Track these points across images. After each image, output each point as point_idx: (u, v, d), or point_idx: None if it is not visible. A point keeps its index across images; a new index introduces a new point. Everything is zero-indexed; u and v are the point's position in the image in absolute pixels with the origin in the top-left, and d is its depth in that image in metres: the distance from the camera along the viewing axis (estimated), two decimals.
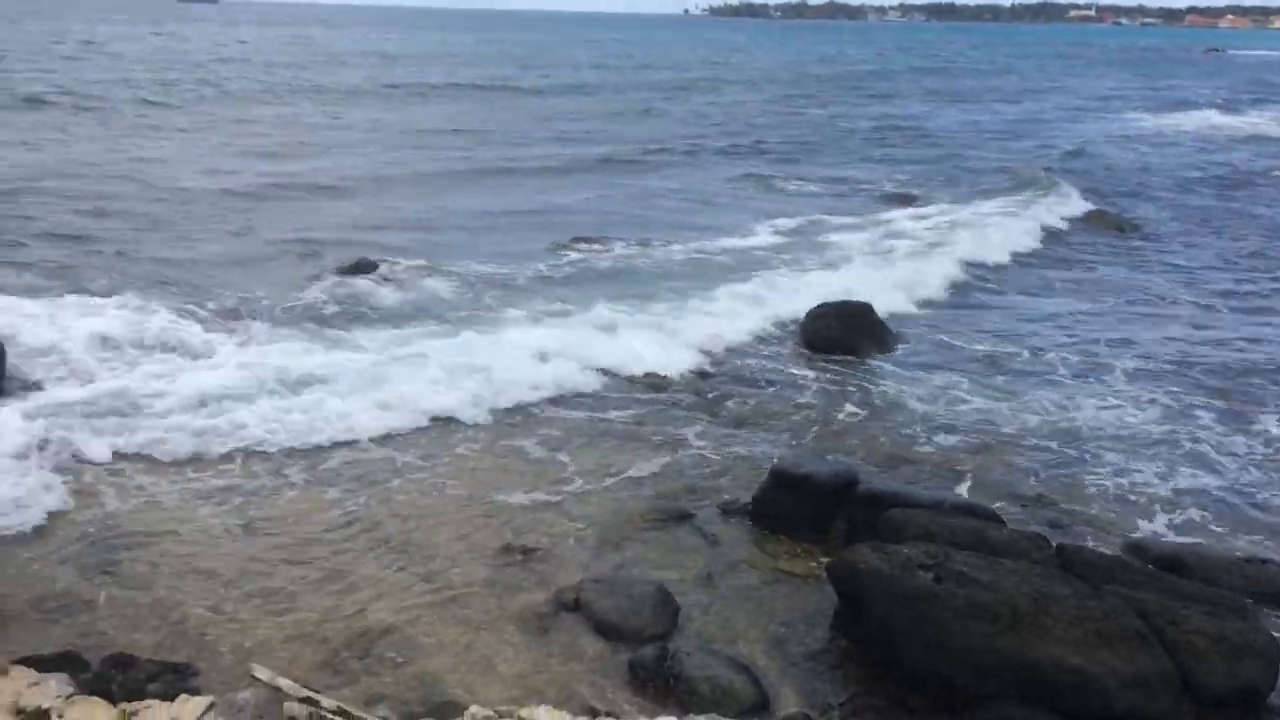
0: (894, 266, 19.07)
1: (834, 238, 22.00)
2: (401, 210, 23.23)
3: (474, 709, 4.87)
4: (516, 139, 36.10)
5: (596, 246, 20.18)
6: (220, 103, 42.11)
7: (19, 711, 4.73)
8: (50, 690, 4.89)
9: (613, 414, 11.95)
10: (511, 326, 14.58)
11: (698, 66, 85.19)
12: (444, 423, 11.45)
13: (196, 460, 10.21)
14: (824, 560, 8.47)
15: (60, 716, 4.71)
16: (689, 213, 24.72)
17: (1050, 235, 23.49)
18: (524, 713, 4.78)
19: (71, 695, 4.92)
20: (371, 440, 10.87)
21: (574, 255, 19.51)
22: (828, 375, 13.62)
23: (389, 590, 8.08)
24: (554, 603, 8.00)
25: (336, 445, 10.71)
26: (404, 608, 7.83)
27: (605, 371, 13.10)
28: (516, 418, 11.75)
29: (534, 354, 13.16)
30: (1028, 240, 22.59)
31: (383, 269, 17.27)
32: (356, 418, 11.16)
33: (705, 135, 39.44)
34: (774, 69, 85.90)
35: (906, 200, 26.99)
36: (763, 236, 22.04)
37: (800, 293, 16.64)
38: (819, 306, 15.11)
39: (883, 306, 15.85)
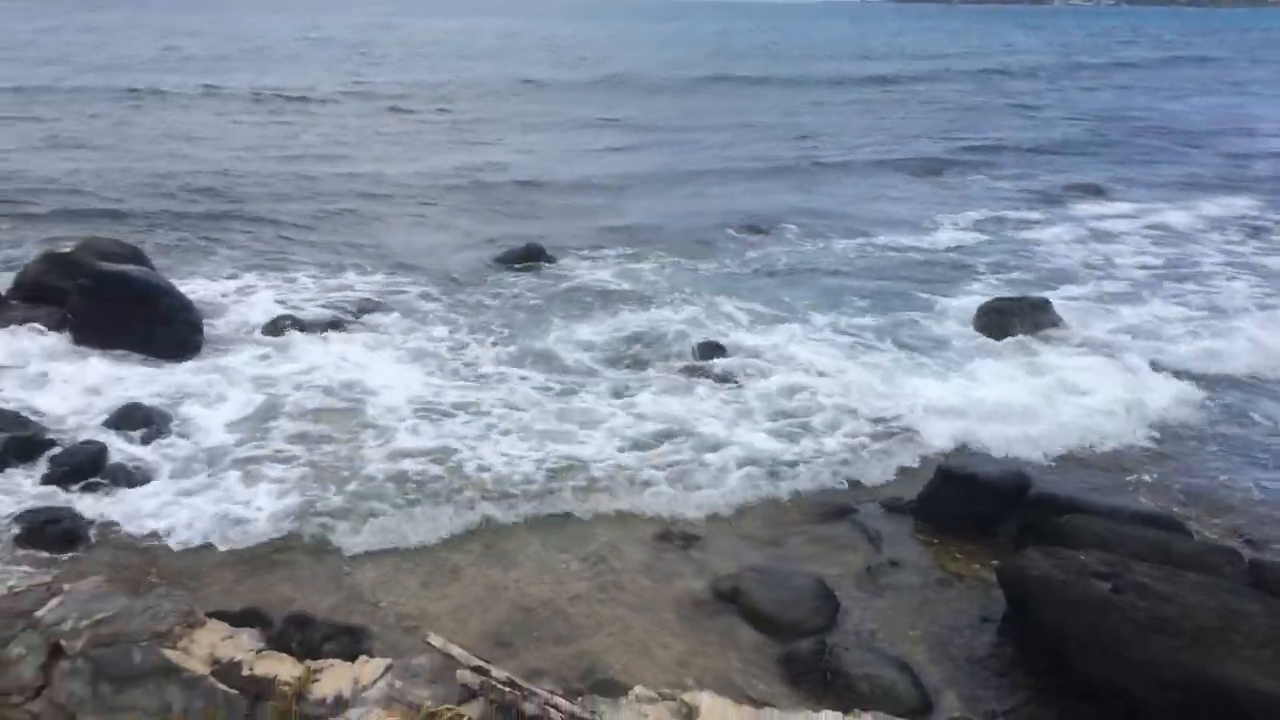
0: None
1: None
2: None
3: (638, 689, 4.92)
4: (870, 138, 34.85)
5: None
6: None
7: (214, 662, 5.07)
8: (242, 644, 5.21)
9: None
10: None
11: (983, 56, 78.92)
12: None
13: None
14: (992, 563, 8.21)
15: (251, 669, 5.02)
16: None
17: None
18: (687, 697, 4.79)
19: (261, 650, 5.23)
20: None
21: None
22: None
23: (549, 570, 8.26)
24: (711, 591, 8.01)
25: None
26: (564, 588, 8.00)
27: None
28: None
29: None
30: None
31: None
32: None
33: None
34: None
35: None
36: None
37: None
38: None
39: None
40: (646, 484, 9.65)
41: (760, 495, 9.67)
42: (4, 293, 13.23)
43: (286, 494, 9.28)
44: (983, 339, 13.98)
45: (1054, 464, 10.46)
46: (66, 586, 5.43)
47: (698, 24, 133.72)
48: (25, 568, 7.91)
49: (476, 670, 4.89)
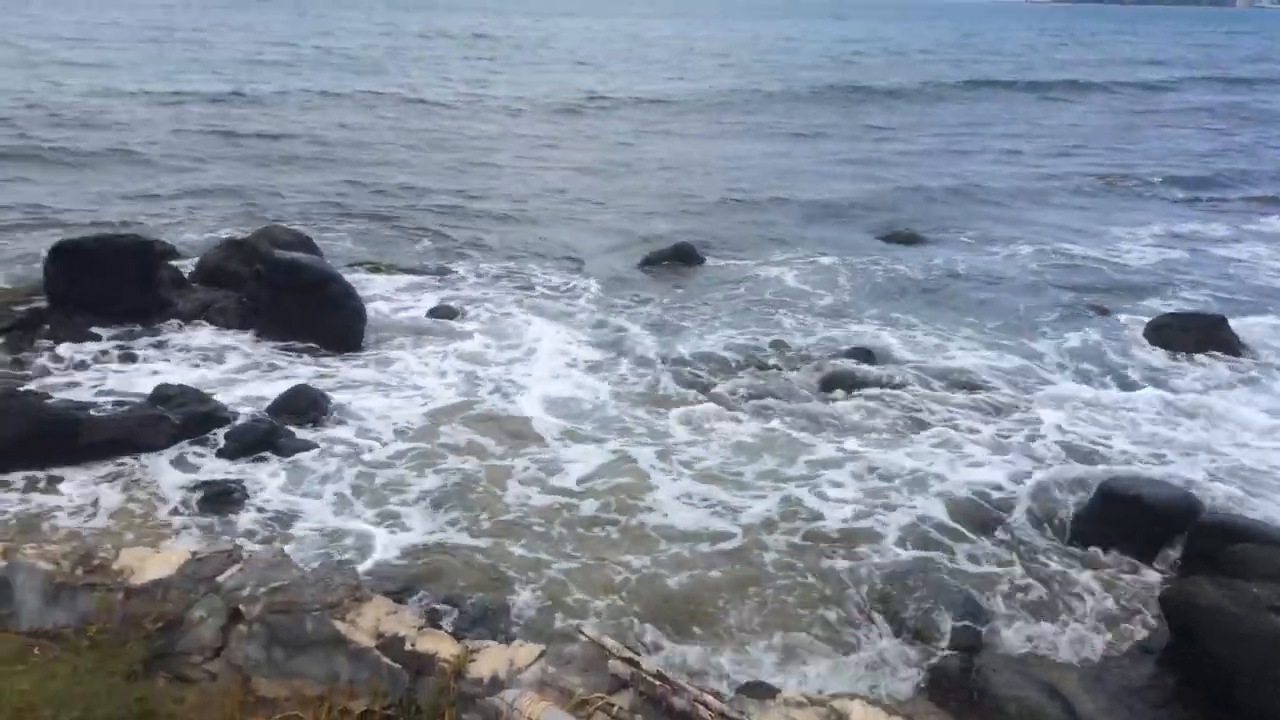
0: None
1: None
2: None
3: (786, 693, 4.92)
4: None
5: None
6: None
7: (379, 635, 5.30)
8: (405, 619, 5.43)
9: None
10: None
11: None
12: None
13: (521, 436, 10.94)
14: (1155, 589, 7.86)
15: (413, 645, 5.23)
16: None
17: None
18: (837, 704, 4.76)
19: (422, 627, 5.44)
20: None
21: None
22: None
23: (695, 564, 8.32)
24: (858, 599, 7.92)
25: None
26: (709, 584, 8.04)
27: None
28: None
29: None
30: None
31: None
32: None
33: None
34: None
35: None
36: None
37: None
38: None
39: None
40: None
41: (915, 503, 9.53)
42: (187, 275, 14.07)
43: (438, 485, 9.63)
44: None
45: (1223, 488, 9.95)
46: (245, 555, 5.77)
47: (880, 26, 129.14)
48: (200, 533, 8.44)
49: (627, 662, 4.97)
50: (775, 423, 11.18)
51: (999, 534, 9.05)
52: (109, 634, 5.29)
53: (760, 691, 5.15)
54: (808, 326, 14.48)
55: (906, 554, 8.66)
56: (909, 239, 20.19)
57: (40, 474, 9.25)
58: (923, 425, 11.27)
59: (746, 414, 11.41)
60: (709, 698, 4.85)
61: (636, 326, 14.27)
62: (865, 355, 13.07)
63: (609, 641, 5.09)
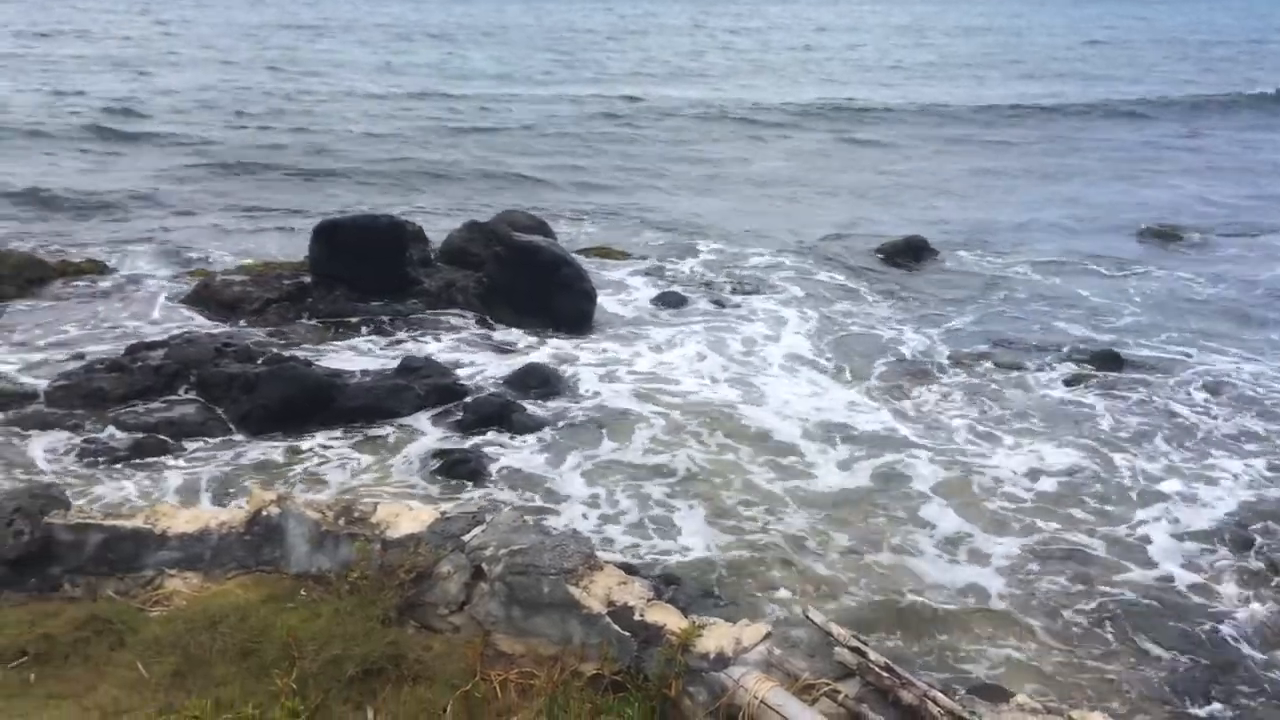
0: None
1: None
2: None
3: (1021, 698, 4.75)
4: None
5: None
6: None
7: (610, 603, 5.48)
8: (635, 590, 5.60)
9: None
10: None
11: None
12: None
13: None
14: None
15: (642, 615, 5.39)
16: None
17: None
18: (1076, 714, 4.56)
19: (650, 599, 5.59)
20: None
21: None
22: None
23: (922, 567, 8.16)
24: (1097, 608, 7.56)
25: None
26: (932, 584, 7.87)
27: None
28: None
29: None
30: None
31: None
32: None
33: None
34: None
35: None
36: None
37: None
38: None
39: None
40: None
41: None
42: (433, 255, 14.93)
43: (664, 464, 9.83)
44: None
45: None
46: (488, 517, 6.10)
47: (1114, 6, 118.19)
48: (439, 496, 8.97)
49: (855, 651, 4.94)
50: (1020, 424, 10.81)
51: (1253, 552, 8.40)
52: (367, 581, 5.72)
53: (993, 694, 5.00)
54: (1055, 325, 13.90)
55: (1146, 558, 8.20)
56: (1169, 236, 18.96)
57: (302, 434, 10.07)
58: (1186, 434, 10.61)
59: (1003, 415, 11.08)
60: (938, 694, 4.75)
61: (874, 317, 14.15)
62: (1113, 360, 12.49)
63: (836, 628, 5.07)
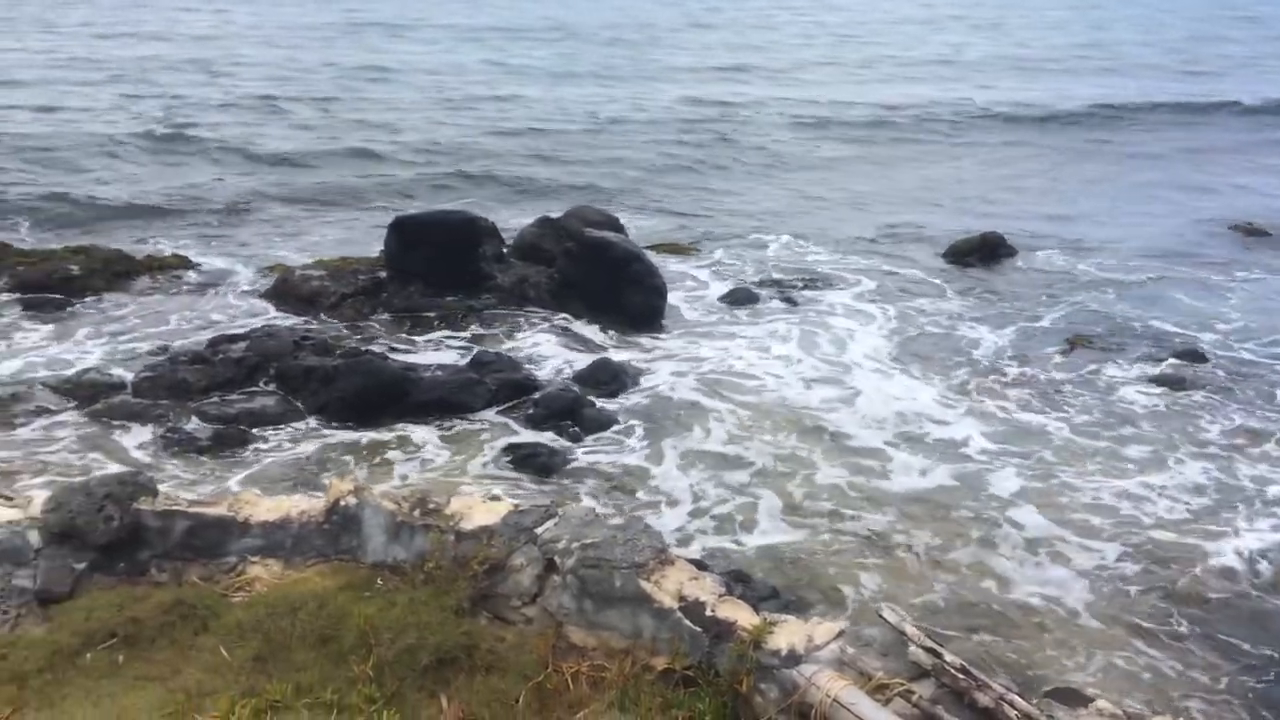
0: None
1: None
2: None
3: (1101, 703, 4.66)
4: None
5: None
6: None
7: (681, 599, 5.49)
8: (707, 586, 5.60)
9: None
10: None
11: None
12: None
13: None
14: None
15: (714, 611, 5.38)
16: None
17: None
18: None
19: (722, 595, 5.59)
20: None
21: None
22: None
23: (1003, 566, 8.02)
24: (1183, 616, 7.39)
25: None
26: (1012, 585, 7.74)
27: None
28: None
29: None
30: None
31: None
32: None
33: None
34: None
35: None
36: None
37: None
38: None
39: None
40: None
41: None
42: (505, 251, 15.05)
43: (735, 458, 9.80)
44: None
45: None
46: (561, 511, 6.14)
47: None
48: (514, 489, 9.05)
49: (930, 651, 4.87)
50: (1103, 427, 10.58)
51: None
52: (441, 571, 5.79)
53: (1071, 698, 4.90)
54: (1146, 325, 13.63)
55: (1234, 567, 7.97)
56: (1259, 233, 18.43)
57: (378, 426, 10.24)
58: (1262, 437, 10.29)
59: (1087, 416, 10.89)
60: (1015, 698, 4.67)
61: (953, 315, 14.00)
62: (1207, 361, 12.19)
63: (910, 628, 5.01)
